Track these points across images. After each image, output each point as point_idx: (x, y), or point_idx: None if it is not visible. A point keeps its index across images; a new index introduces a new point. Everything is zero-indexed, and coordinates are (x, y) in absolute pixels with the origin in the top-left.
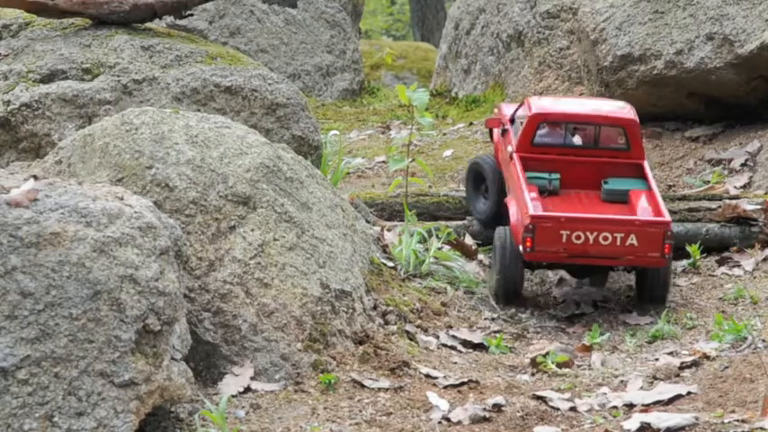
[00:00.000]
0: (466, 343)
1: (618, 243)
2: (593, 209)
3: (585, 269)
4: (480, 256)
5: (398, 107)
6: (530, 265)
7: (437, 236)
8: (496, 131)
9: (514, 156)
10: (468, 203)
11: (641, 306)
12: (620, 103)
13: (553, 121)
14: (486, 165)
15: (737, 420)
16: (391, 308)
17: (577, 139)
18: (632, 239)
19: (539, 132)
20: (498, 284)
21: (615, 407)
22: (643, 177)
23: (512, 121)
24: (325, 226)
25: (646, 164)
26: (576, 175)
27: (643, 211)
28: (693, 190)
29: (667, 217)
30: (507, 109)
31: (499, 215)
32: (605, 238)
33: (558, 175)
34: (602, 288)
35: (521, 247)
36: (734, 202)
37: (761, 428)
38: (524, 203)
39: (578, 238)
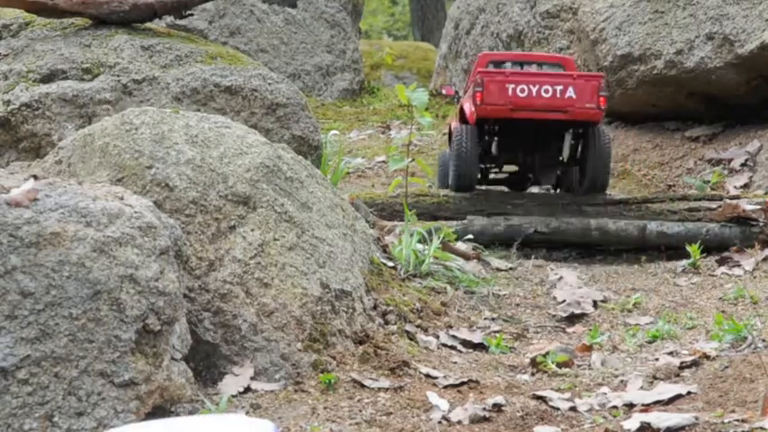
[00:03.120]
0: (466, 343)
1: (558, 95)
2: None
3: (530, 148)
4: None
5: (398, 107)
6: (482, 158)
7: (437, 236)
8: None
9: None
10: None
11: (584, 192)
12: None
13: (499, 60)
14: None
15: (737, 420)
16: (391, 308)
17: None
18: (570, 92)
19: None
20: (455, 177)
21: (615, 407)
22: None
23: (465, 91)
24: (325, 226)
25: None
26: None
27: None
28: (693, 191)
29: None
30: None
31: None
32: (546, 91)
33: None
34: (550, 181)
35: (472, 108)
36: (734, 201)
37: (761, 428)
38: (474, 81)
39: (522, 91)
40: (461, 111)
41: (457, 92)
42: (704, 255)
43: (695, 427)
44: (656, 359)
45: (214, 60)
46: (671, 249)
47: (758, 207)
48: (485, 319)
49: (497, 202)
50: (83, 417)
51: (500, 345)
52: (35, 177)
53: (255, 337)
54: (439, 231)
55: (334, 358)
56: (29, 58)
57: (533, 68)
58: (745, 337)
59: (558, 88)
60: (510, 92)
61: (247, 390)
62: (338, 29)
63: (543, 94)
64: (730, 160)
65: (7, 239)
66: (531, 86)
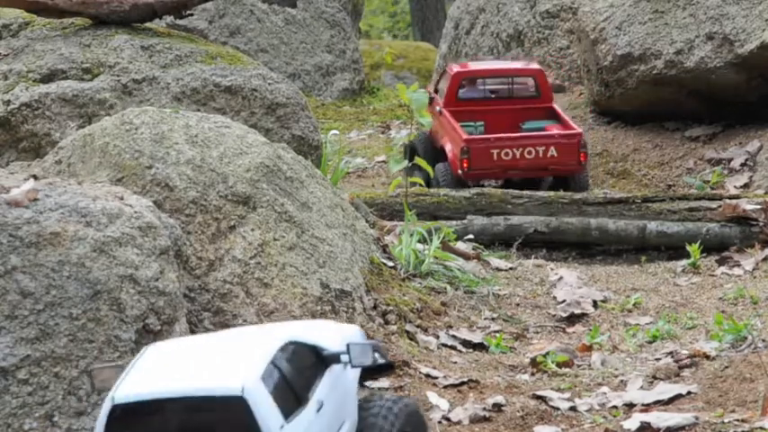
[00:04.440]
0: (466, 343)
1: (540, 155)
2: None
3: (516, 184)
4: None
5: (398, 107)
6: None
7: (437, 236)
8: None
9: (444, 111)
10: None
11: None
12: (527, 61)
13: (471, 77)
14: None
15: (737, 420)
16: (391, 307)
17: (495, 92)
18: (552, 151)
19: (461, 89)
20: None
21: (615, 406)
22: (556, 117)
23: (436, 91)
24: (325, 226)
25: (556, 105)
26: (498, 122)
27: (558, 130)
28: (693, 191)
29: (579, 129)
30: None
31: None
32: (529, 153)
33: (482, 122)
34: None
35: (459, 171)
36: (734, 201)
37: (761, 428)
38: (458, 135)
39: (507, 154)
40: (443, 149)
41: (431, 93)
42: (704, 255)
43: (695, 426)
44: (656, 359)
45: (214, 60)
46: (671, 249)
47: (758, 207)
48: (485, 319)
49: (497, 202)
50: (83, 416)
51: (500, 345)
52: (35, 177)
53: None
54: (439, 231)
55: None
56: (29, 57)
57: (505, 85)
58: (745, 337)
59: (541, 149)
60: (495, 156)
61: None
62: (338, 29)
63: (527, 155)
64: (730, 160)
65: (7, 239)
66: (514, 150)
